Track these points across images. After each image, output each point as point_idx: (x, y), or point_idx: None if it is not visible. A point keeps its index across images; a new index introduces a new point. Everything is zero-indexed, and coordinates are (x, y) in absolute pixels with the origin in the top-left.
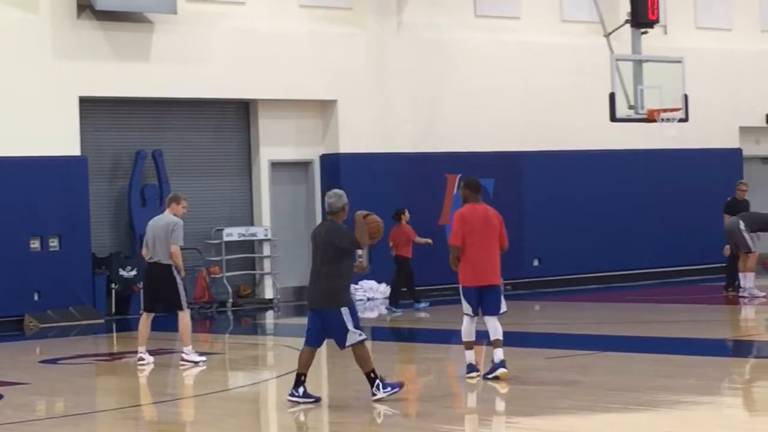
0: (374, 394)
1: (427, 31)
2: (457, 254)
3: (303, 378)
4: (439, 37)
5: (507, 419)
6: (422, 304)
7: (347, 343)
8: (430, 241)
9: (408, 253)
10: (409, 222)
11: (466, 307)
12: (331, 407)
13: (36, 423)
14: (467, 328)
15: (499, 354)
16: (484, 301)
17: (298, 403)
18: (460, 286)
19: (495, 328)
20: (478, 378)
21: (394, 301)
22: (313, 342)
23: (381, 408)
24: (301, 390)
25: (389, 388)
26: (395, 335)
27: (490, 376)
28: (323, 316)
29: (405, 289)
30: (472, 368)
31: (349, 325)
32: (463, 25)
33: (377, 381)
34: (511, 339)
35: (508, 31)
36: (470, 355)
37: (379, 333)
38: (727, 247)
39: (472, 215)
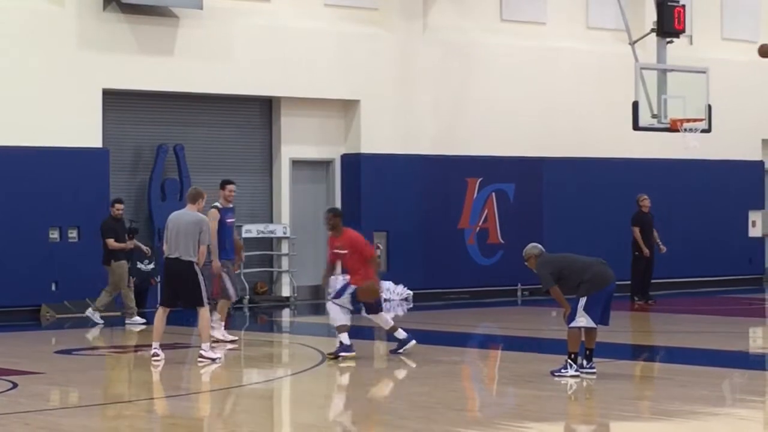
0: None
1: (452, 34)
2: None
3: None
4: (463, 40)
5: (519, 424)
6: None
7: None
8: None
9: None
10: (429, 226)
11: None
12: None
13: (49, 412)
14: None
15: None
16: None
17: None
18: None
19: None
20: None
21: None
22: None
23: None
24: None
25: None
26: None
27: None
28: None
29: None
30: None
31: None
32: (488, 29)
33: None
34: (526, 344)
35: (533, 37)
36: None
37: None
38: None
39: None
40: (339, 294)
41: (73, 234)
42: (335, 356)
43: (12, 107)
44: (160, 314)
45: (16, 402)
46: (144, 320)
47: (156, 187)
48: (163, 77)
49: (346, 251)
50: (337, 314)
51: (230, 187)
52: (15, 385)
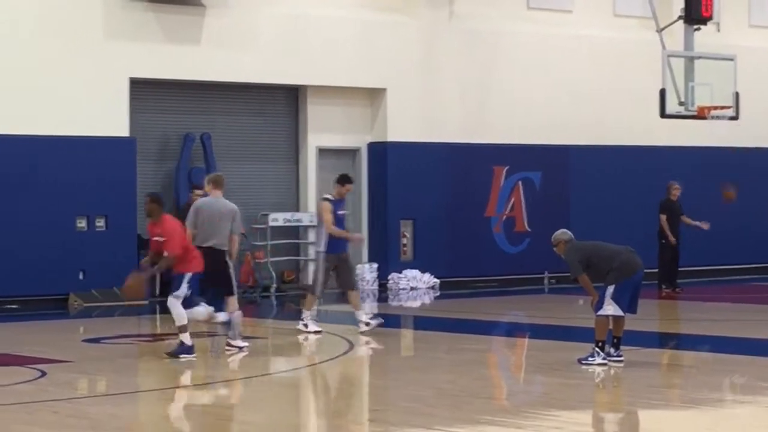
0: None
1: (479, 22)
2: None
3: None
4: (490, 28)
5: (546, 412)
6: None
7: None
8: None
9: None
10: (455, 214)
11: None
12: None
13: (77, 401)
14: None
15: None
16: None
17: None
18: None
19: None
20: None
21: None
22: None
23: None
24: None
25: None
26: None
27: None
28: None
29: None
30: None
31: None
32: (514, 17)
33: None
34: (552, 332)
35: (559, 25)
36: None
37: (422, 322)
38: None
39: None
40: (176, 287)
41: (100, 223)
42: (174, 356)
43: (39, 97)
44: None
45: (44, 390)
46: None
47: (183, 175)
48: (189, 66)
49: (164, 239)
50: (180, 311)
51: (349, 186)
52: (44, 374)
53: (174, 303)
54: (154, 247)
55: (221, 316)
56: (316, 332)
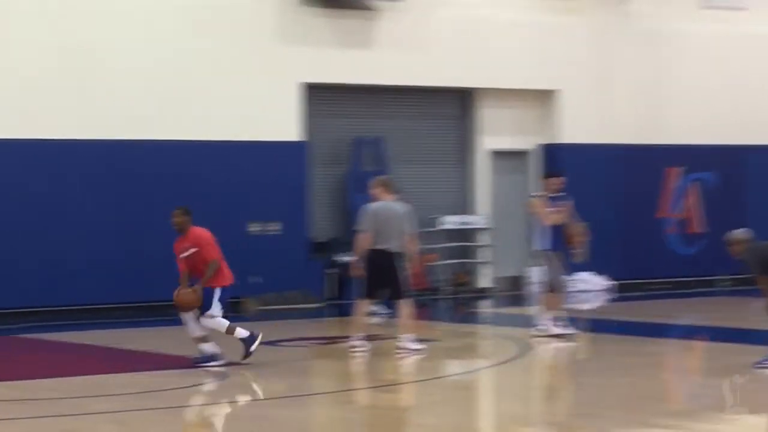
0: None
1: (651, 22)
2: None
3: None
4: (663, 27)
5: (723, 416)
6: None
7: None
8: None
9: None
10: (628, 215)
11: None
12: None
13: (256, 403)
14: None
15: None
16: None
17: None
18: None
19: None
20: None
21: None
22: None
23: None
24: None
25: None
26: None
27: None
28: None
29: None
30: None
31: None
32: (687, 15)
33: None
34: (729, 335)
35: (734, 23)
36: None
37: (597, 325)
38: None
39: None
40: (208, 306)
41: (273, 227)
42: (248, 355)
43: (212, 102)
44: (363, 305)
45: (225, 391)
46: None
47: (354, 179)
48: (361, 70)
49: (196, 249)
50: (218, 323)
51: (554, 180)
52: (223, 376)
53: (209, 322)
54: (184, 266)
55: (240, 332)
56: (561, 336)
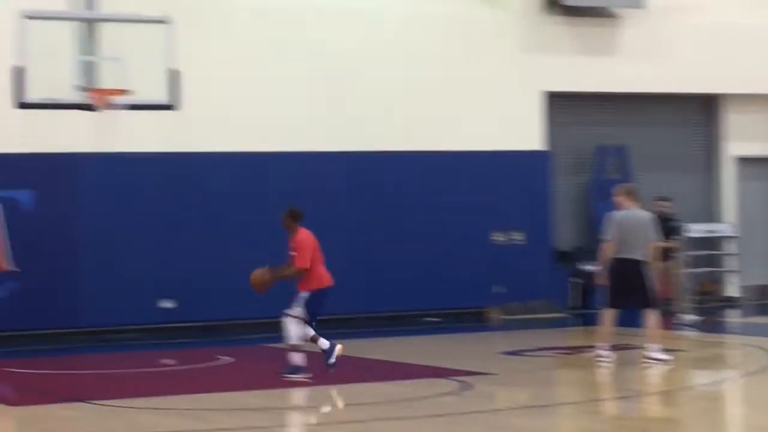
0: None
1: None
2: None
3: None
4: None
5: None
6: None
7: None
8: None
9: None
10: None
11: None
12: None
13: (499, 413)
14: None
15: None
16: None
17: None
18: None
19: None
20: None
21: None
22: None
23: None
24: None
25: None
26: None
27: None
28: None
29: None
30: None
31: None
32: None
33: None
34: None
35: None
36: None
37: None
38: None
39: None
40: (292, 306)
41: (517, 236)
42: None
43: (456, 112)
44: (608, 315)
45: (467, 402)
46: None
47: (598, 188)
48: (604, 78)
49: (294, 253)
50: (292, 331)
51: None
52: (466, 386)
53: (289, 321)
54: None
55: (323, 343)
56: None
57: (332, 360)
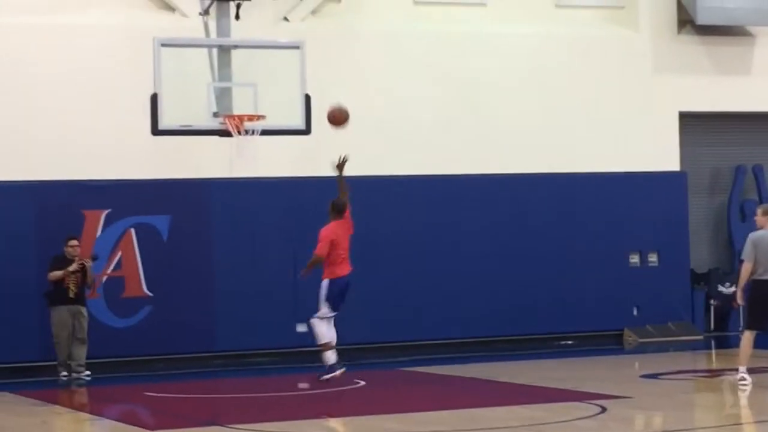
0: None
1: None
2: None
3: None
4: None
5: None
6: None
7: None
8: None
9: None
10: None
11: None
12: None
13: None
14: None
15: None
16: None
17: None
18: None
19: None
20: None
21: None
22: None
23: None
24: None
25: None
26: None
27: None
28: None
29: None
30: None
31: None
32: None
33: None
34: None
35: None
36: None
37: None
38: None
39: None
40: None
41: (653, 258)
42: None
43: (591, 133)
44: (747, 337)
45: (605, 426)
46: None
47: (735, 208)
48: (739, 97)
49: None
50: (321, 330)
51: None
52: (603, 409)
53: (316, 323)
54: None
55: (330, 358)
56: None
57: (326, 378)
